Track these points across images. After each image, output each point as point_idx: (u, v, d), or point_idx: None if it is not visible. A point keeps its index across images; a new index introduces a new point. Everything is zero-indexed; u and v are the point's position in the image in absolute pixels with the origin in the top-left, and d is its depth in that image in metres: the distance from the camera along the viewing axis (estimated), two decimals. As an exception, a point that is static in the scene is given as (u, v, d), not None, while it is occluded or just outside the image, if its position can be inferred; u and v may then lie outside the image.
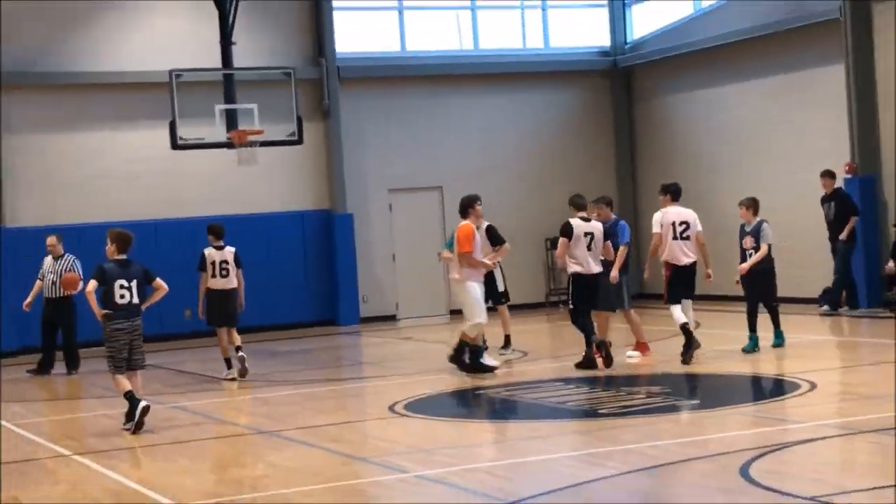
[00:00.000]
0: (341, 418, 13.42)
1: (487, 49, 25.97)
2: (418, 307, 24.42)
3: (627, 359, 15.88)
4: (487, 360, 15.62)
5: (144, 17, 23.39)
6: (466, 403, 14.17)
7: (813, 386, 13.00)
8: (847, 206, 20.40)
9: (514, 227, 25.02)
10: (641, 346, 16.26)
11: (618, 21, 26.69)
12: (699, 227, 16.08)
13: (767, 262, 16.24)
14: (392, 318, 24.51)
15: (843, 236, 20.21)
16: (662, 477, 9.49)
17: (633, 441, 10.78)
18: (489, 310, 16.26)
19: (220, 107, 20.82)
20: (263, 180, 23.58)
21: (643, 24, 26.49)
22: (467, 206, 15.97)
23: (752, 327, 16.01)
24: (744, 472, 9.07)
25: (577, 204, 15.79)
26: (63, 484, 10.62)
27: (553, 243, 25.71)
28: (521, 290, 24.79)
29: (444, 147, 25.24)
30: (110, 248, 12.98)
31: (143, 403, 12.63)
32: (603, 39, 26.68)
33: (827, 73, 21.61)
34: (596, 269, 15.38)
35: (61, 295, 18.34)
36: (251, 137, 20.68)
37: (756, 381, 14.66)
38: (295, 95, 21.45)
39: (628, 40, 26.65)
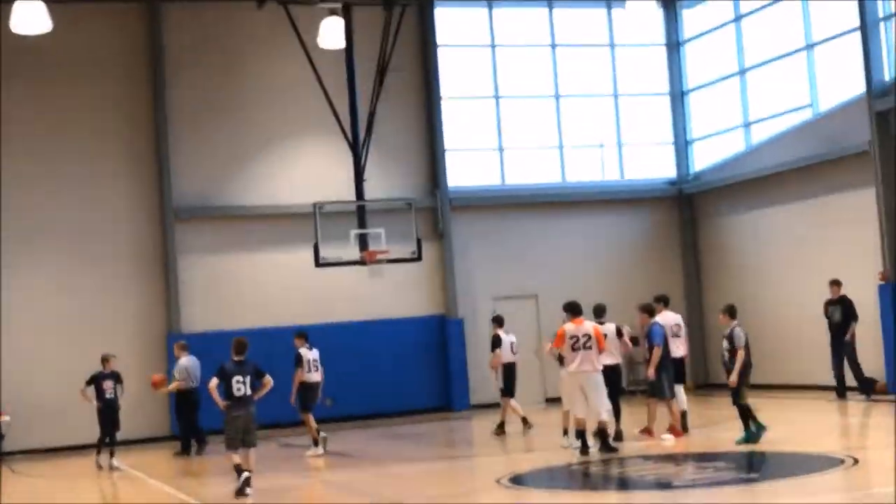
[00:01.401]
0: (450, 490, 13.39)
1: (572, 181, 26.16)
2: (519, 396, 24.31)
3: (662, 440, 15.68)
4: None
5: (293, 158, 23.96)
6: (561, 477, 14.06)
7: (856, 461, 12.77)
8: (850, 310, 20.24)
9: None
10: (675, 431, 16.05)
11: (681, 155, 26.79)
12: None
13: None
14: (496, 405, 24.44)
15: (848, 337, 20.17)
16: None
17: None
18: None
19: (355, 231, 21.27)
20: (390, 291, 23.91)
21: (703, 157, 26.55)
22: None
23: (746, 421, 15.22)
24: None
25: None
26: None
27: (634, 343, 25.67)
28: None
29: (538, 262, 25.36)
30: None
31: (245, 474, 13.26)
32: (670, 171, 26.76)
33: (859, 197, 21.44)
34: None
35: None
36: (379, 256, 21.09)
37: (805, 457, 14.38)
38: (415, 221, 21.83)
39: (691, 171, 26.71)
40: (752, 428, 14.90)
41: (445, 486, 13.69)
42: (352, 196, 21.86)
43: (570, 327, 15.14)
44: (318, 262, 20.98)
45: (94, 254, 22.69)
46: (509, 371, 19.03)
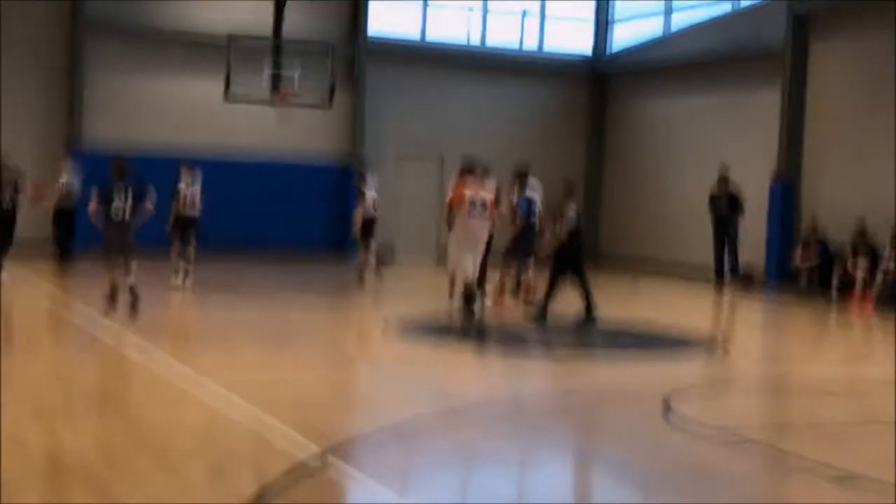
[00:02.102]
0: (345, 334, 13.48)
1: (492, 45, 25.92)
2: (414, 250, 24.44)
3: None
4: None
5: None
6: (452, 330, 14.17)
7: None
8: (735, 204, 20.69)
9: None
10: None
11: (600, 34, 26.65)
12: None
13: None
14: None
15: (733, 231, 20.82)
16: (601, 394, 9.63)
17: (573, 375, 10.88)
18: None
19: (268, 70, 20.81)
20: (296, 134, 23.59)
21: (621, 39, 26.45)
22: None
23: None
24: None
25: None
26: (118, 361, 10.69)
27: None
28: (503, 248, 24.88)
29: (446, 123, 25.25)
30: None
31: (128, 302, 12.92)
32: (588, 48, 26.64)
33: (767, 95, 21.62)
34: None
35: None
36: (290, 99, 20.71)
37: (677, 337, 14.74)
38: (331, 66, 21.44)
39: (608, 51, 26.62)
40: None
41: (331, 329, 13.78)
42: (269, 33, 21.34)
43: (469, 186, 14.98)
44: (228, 97, 20.57)
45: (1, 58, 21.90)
46: (368, 226, 18.70)
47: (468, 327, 13.58)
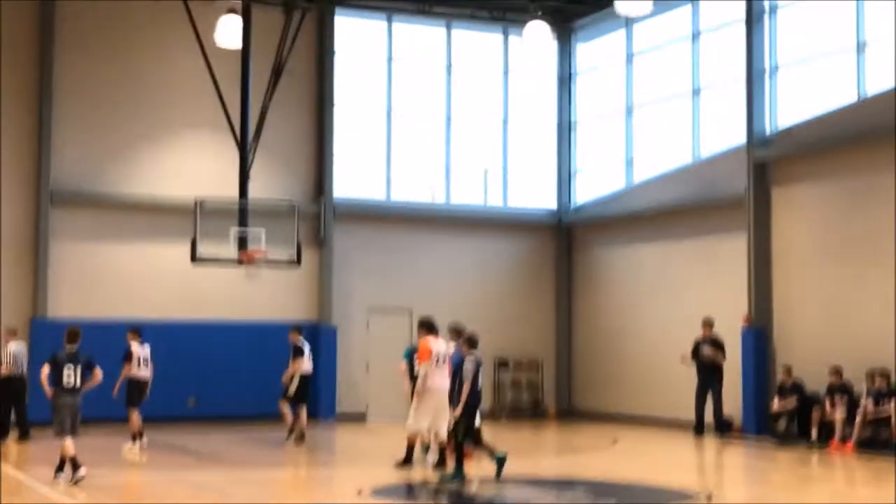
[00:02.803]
0: (316, 498, 13.20)
1: (456, 203, 26.19)
2: (386, 409, 24.13)
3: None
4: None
5: (179, 151, 23.52)
6: (418, 494, 13.93)
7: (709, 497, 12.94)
8: (721, 349, 20.77)
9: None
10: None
11: (563, 186, 27.01)
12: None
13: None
14: (363, 417, 24.29)
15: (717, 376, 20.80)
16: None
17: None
18: None
19: (235, 229, 20.87)
20: (265, 294, 23.53)
21: (585, 191, 26.82)
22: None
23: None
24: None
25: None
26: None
27: (500, 363, 25.83)
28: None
29: (416, 278, 25.30)
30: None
31: (77, 467, 13.33)
32: (551, 201, 26.96)
33: (732, 242, 21.86)
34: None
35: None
36: (258, 257, 20.71)
37: (663, 490, 14.52)
38: (297, 225, 21.56)
39: (572, 203, 26.95)
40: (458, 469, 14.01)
41: (303, 494, 13.45)
42: (235, 196, 21.47)
43: (433, 343, 15.01)
44: (195, 258, 20.55)
45: (-38, 229, 21.86)
46: (306, 384, 19.06)
47: (442, 490, 13.30)
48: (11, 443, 18.41)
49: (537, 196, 26.93)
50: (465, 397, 13.78)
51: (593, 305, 26.06)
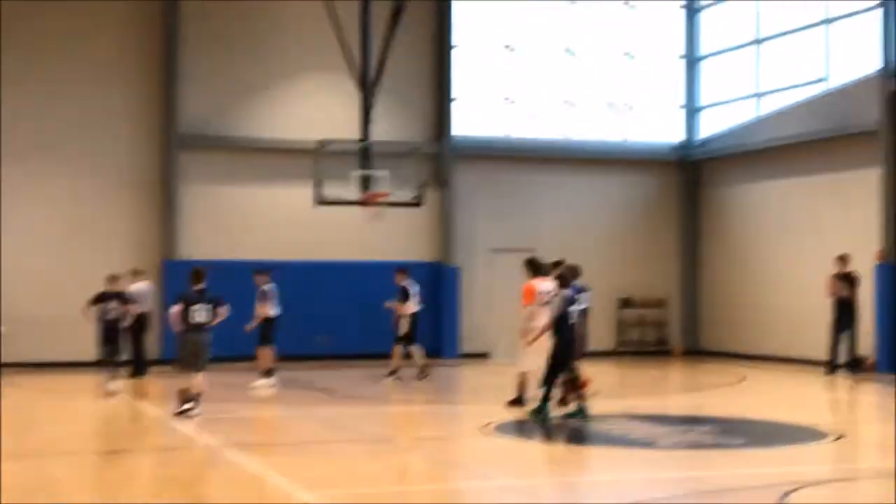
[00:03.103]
0: (441, 433, 13.36)
1: (578, 139, 25.93)
2: (509, 349, 24.22)
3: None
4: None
5: (302, 94, 23.77)
6: (547, 428, 13.99)
7: (841, 436, 12.70)
8: (856, 285, 20.10)
9: (592, 287, 24.95)
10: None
11: (690, 120, 26.53)
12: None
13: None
14: (486, 356, 24.41)
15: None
16: (709, 501, 9.29)
17: (687, 470, 10.62)
18: None
19: (357, 172, 21.06)
20: (388, 235, 23.75)
21: (711, 124, 26.30)
22: None
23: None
24: (781, 501, 8.87)
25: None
26: (213, 469, 10.71)
27: (624, 302, 25.67)
28: (596, 339, 24.71)
29: (537, 217, 25.22)
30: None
31: (190, 402, 13.97)
32: (677, 135, 26.51)
33: (864, 175, 21.18)
34: None
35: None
36: (380, 199, 20.87)
37: (791, 427, 14.32)
38: (418, 166, 21.64)
39: (698, 137, 26.46)
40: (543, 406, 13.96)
41: (429, 428, 13.63)
42: (357, 138, 21.64)
43: (538, 283, 14.94)
44: (318, 200, 20.81)
45: (96, 175, 22.59)
46: (414, 320, 19.22)
47: (552, 425, 13.33)
48: (128, 380, 18.95)
49: (662, 131, 26.50)
50: (539, 334, 13.73)
51: (720, 242, 25.63)
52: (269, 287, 18.00)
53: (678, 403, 16.68)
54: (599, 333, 24.83)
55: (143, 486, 9.73)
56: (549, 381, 13.88)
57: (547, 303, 14.64)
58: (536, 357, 14.59)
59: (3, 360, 20.62)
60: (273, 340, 17.94)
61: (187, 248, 22.76)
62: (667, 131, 26.52)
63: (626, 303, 25.77)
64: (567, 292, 14.01)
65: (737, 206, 25.21)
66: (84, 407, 16.24)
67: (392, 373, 19.01)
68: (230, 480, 9.81)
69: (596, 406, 14.62)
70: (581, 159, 25.60)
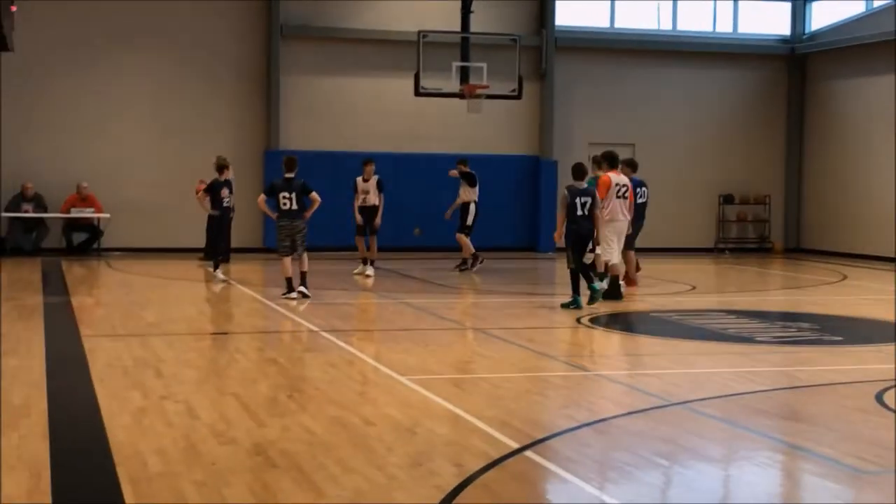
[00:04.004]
0: (536, 324, 13.45)
1: (683, 30, 25.37)
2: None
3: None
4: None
5: (401, -15, 23.61)
6: (642, 322, 14.02)
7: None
8: None
9: (693, 183, 24.69)
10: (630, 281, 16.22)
11: (798, 13, 25.74)
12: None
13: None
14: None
15: None
16: (806, 395, 9.25)
17: (784, 365, 10.54)
18: None
19: (457, 63, 20.94)
20: (485, 127, 23.65)
21: (820, 17, 25.48)
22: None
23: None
24: (878, 397, 8.78)
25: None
26: (313, 352, 10.95)
27: (725, 198, 25.29)
28: (695, 236, 24.50)
29: (638, 111, 24.87)
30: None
31: (299, 289, 14.63)
32: (784, 28, 25.77)
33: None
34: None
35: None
36: (479, 90, 20.77)
37: (892, 326, 14.08)
38: (518, 58, 21.41)
39: (806, 31, 25.68)
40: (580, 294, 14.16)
41: (524, 319, 13.71)
42: (456, 27, 21.47)
43: (613, 177, 14.98)
44: (418, 91, 20.78)
45: (199, 64, 22.82)
46: (476, 209, 19.23)
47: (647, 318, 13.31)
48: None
49: (769, 23, 25.74)
50: (560, 225, 14.06)
51: (826, 140, 25.01)
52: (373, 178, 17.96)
53: (777, 300, 16.48)
54: (699, 229, 24.64)
55: (244, 366, 9.99)
56: (575, 272, 14.14)
57: (621, 196, 14.88)
58: (616, 247, 14.92)
59: (106, 245, 21.29)
60: (373, 231, 18.06)
61: (287, 139, 22.98)
62: (774, 24, 25.77)
63: (727, 199, 25.40)
64: (579, 185, 14.11)
65: (845, 101, 24.51)
66: (187, 291, 16.67)
67: (472, 260, 18.99)
68: (329, 363, 10.01)
69: (694, 301, 14.53)
70: (685, 52, 25.08)
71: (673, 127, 24.72)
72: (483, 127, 23.51)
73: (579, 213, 14.00)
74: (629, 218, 15.19)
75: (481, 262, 19.13)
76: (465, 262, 19.18)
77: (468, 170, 19.30)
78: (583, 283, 14.18)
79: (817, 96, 25.35)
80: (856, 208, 23.88)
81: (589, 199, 14.05)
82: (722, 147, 25.16)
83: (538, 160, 24.15)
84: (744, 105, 25.59)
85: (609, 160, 15.35)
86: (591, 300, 14.14)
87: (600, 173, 15.30)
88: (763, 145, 25.59)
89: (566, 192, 14.15)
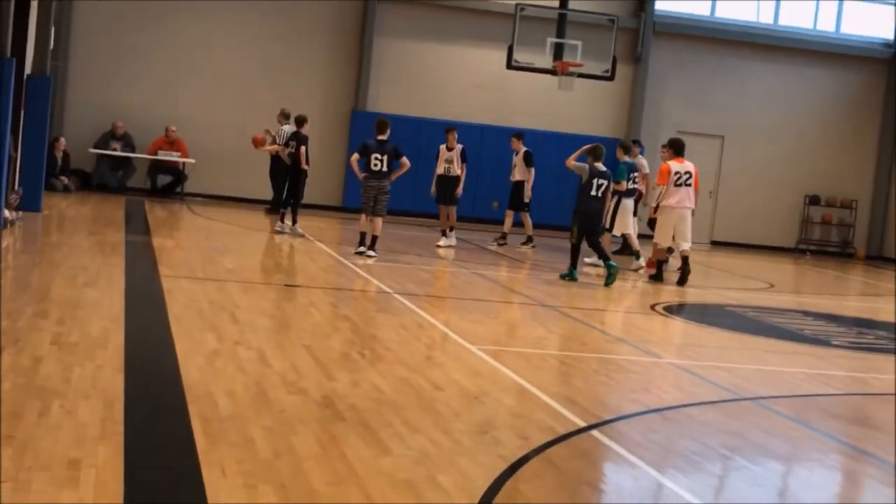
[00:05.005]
0: (608, 307, 13.39)
1: (784, 25, 24.95)
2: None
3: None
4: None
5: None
6: (717, 315, 13.87)
7: None
8: None
9: (779, 180, 24.33)
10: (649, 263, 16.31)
11: (905, 18, 25.18)
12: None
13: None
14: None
15: None
16: (879, 402, 9.09)
17: (858, 371, 10.38)
18: None
19: (551, 39, 20.82)
20: (574, 106, 23.51)
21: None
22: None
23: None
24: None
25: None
26: (385, 313, 11.02)
27: (810, 200, 24.89)
28: (778, 234, 24.15)
29: (729, 103, 24.54)
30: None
31: (365, 246, 15.00)
32: (888, 31, 25.21)
33: None
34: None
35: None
36: (572, 68, 20.64)
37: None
38: (614, 39, 21.22)
39: (912, 36, 25.13)
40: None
41: (601, 303, 13.65)
42: (556, 5, 21.33)
43: (674, 164, 15.04)
44: (510, 65, 20.71)
45: (292, 19, 22.95)
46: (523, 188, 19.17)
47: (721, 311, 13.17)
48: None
49: (873, 25, 25.21)
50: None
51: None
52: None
53: (855, 305, 16.21)
54: (781, 228, 24.30)
55: (317, 320, 10.08)
56: (575, 247, 14.64)
57: (683, 183, 14.98)
58: (670, 234, 15.25)
59: (189, 190, 21.61)
60: (455, 200, 18.06)
61: (375, 101, 23.05)
62: (878, 26, 25.24)
63: (813, 200, 25.01)
64: (596, 166, 14.45)
65: (945, 111, 23.95)
66: (264, 242, 16.85)
67: (530, 239, 19.05)
68: (401, 325, 10.07)
69: (771, 299, 14.35)
70: (784, 48, 24.67)
71: (763, 122, 24.35)
72: (569, 106, 23.39)
73: (593, 192, 14.22)
74: (693, 206, 15.30)
75: (532, 245, 19.13)
76: (529, 238, 19.16)
77: (520, 148, 19.17)
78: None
79: (916, 104, 24.82)
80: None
81: (605, 183, 14.40)
82: (812, 147, 24.75)
83: (624, 144, 23.92)
84: (838, 106, 25.12)
85: (674, 147, 15.31)
86: (609, 279, 14.29)
87: (627, 159, 15.47)
88: (854, 149, 25.13)
89: (587, 168, 14.34)
